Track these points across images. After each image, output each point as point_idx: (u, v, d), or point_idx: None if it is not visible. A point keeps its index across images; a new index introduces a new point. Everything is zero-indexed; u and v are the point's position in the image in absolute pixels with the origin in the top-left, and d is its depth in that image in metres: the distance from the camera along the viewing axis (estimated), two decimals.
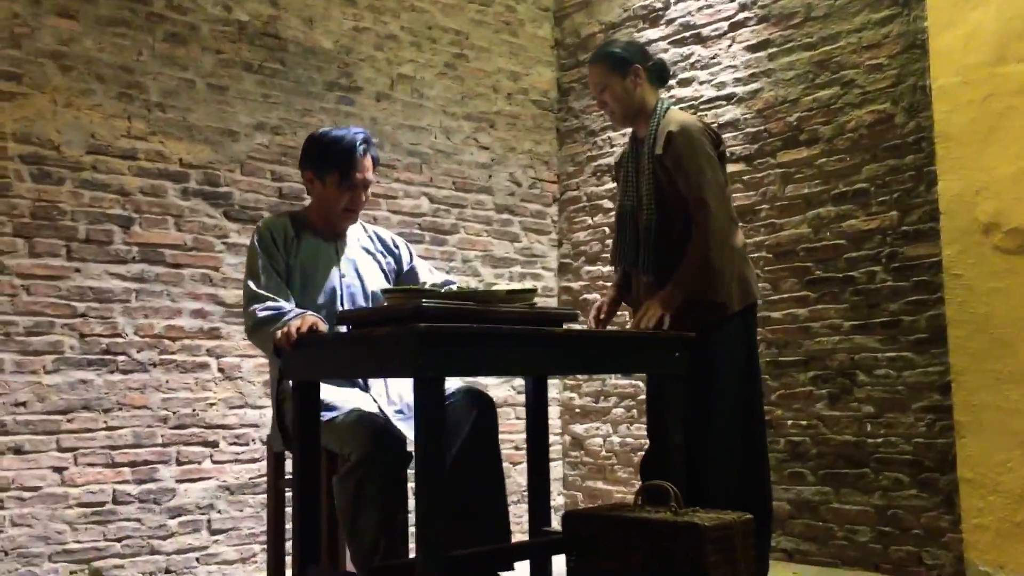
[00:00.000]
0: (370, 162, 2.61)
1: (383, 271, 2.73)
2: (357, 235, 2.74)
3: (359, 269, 2.67)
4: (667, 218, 2.76)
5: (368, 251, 2.73)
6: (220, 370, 3.75)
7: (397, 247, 2.79)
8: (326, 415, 2.39)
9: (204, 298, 3.74)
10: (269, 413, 3.84)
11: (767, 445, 2.77)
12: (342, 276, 2.62)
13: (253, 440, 3.80)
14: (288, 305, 2.44)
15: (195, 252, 3.73)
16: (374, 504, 2.23)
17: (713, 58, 4.31)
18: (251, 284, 2.48)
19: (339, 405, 2.43)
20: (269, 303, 2.43)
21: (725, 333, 2.70)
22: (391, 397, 2.56)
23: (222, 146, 3.85)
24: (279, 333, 2.30)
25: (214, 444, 3.71)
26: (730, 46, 4.24)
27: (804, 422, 3.83)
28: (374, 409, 2.46)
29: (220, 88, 3.87)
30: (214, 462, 3.70)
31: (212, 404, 3.71)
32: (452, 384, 2.58)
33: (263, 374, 3.85)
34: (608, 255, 4.78)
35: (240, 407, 3.78)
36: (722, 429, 2.66)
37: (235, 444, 3.76)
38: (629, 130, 3.14)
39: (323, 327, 2.28)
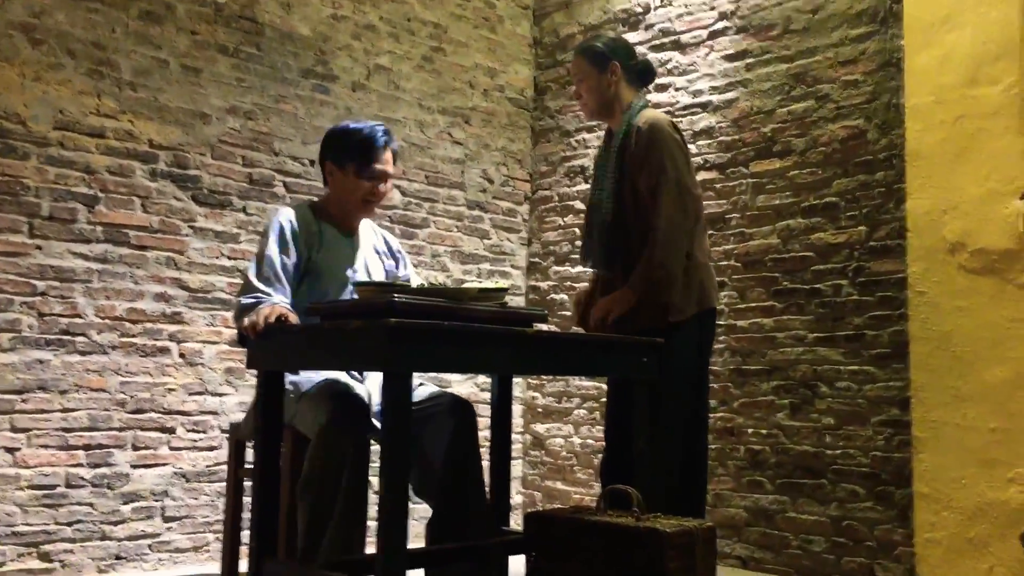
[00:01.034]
0: (391, 155, 2.61)
1: (385, 271, 2.74)
2: (368, 234, 2.74)
3: (369, 268, 2.68)
4: (626, 216, 2.77)
5: (378, 252, 2.74)
6: (181, 355, 3.71)
7: (400, 255, 2.81)
8: (299, 393, 2.40)
9: (168, 282, 3.70)
10: (230, 401, 3.80)
11: (707, 449, 2.80)
12: (354, 273, 2.62)
13: (212, 428, 3.76)
14: (277, 297, 2.42)
15: (161, 235, 3.69)
16: (336, 480, 2.23)
17: (691, 65, 4.33)
18: (250, 272, 2.47)
19: (313, 379, 2.44)
20: (258, 293, 2.42)
21: (678, 337, 2.72)
22: (372, 391, 2.56)
23: (193, 128, 3.81)
24: (246, 320, 2.29)
25: (171, 430, 3.67)
26: (708, 54, 4.26)
27: (764, 431, 3.87)
28: (353, 386, 2.47)
29: (193, 70, 3.82)
30: (171, 448, 3.66)
31: (171, 390, 3.67)
32: (429, 388, 2.59)
33: (225, 360, 3.81)
34: (576, 255, 4.79)
35: (200, 394, 3.75)
36: (666, 430, 2.68)
37: (193, 431, 3.72)
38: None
39: (293, 318, 2.27)
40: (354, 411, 2.34)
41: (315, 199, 2.85)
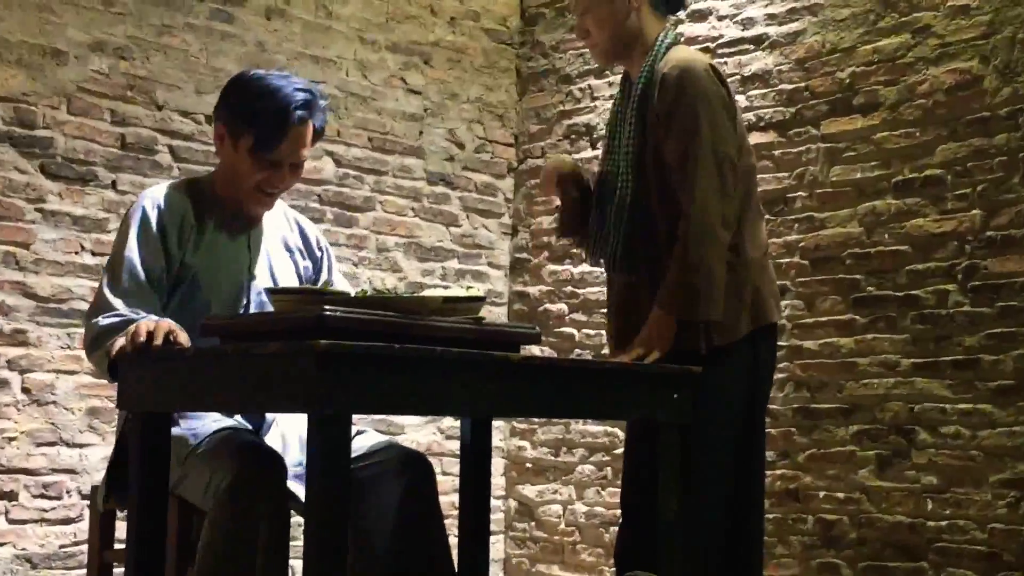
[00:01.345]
0: (308, 134, 2.56)
1: (299, 276, 2.71)
2: (276, 222, 2.72)
3: (274, 270, 2.65)
4: (650, 195, 2.77)
5: (288, 247, 2.71)
6: (25, 390, 3.69)
7: (321, 250, 2.78)
8: (185, 451, 2.39)
9: (6, 287, 3.67)
10: (93, 455, 3.79)
11: (763, 520, 2.80)
12: (251, 279, 2.60)
13: (68, 492, 3.74)
14: (143, 316, 2.41)
15: None
16: (245, 567, 2.22)
17: None
18: (106, 286, 2.45)
19: (202, 430, 2.43)
20: (117, 312, 2.40)
21: (723, 366, 2.72)
22: (288, 443, 2.55)
23: (42, 72, 3.78)
24: (118, 343, 2.27)
25: (11, 496, 3.64)
26: None
27: (842, 495, 3.88)
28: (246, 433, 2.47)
29: None
30: (11, 521, 3.63)
31: (11, 439, 3.65)
32: (371, 438, 2.58)
33: (87, 398, 3.79)
34: (580, 250, 4.79)
35: (51, 444, 3.72)
36: (705, 494, 2.69)
37: (42, 497, 3.69)
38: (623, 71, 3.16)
39: (183, 339, 2.26)
40: (268, 469, 2.33)
41: (202, 175, 2.83)
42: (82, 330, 3.74)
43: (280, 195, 2.65)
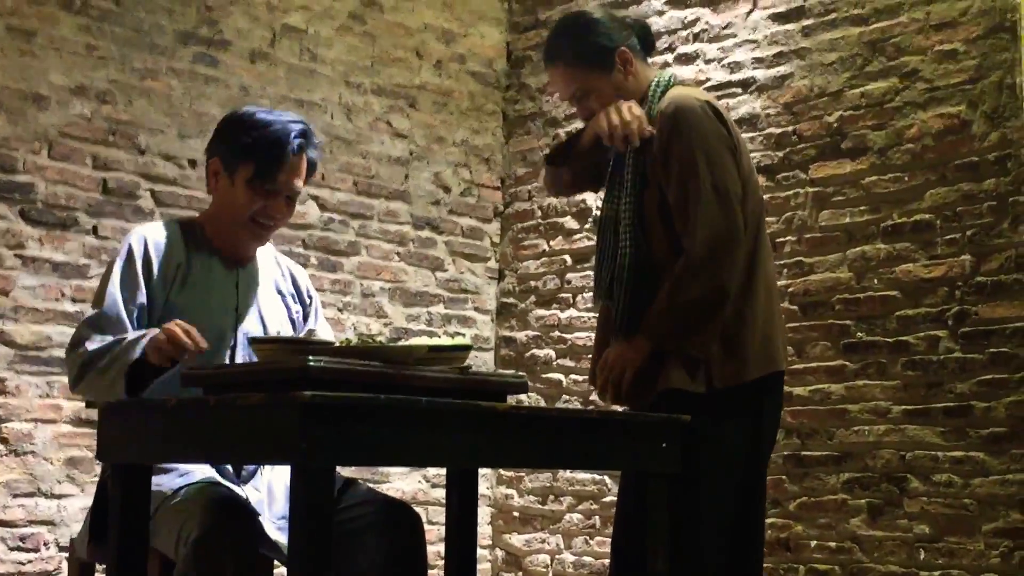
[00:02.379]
0: (304, 165, 2.61)
1: (292, 321, 2.72)
2: (267, 266, 2.73)
3: (264, 314, 2.65)
4: (651, 240, 2.76)
5: (279, 291, 2.72)
6: (2, 440, 3.67)
7: (310, 298, 2.80)
8: (157, 503, 2.39)
9: None
10: (72, 505, 3.76)
11: (762, 565, 2.78)
12: (238, 321, 2.60)
13: (46, 544, 3.72)
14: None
15: None
16: None
17: (726, 28, 4.37)
18: (86, 320, 2.47)
19: (170, 483, 2.43)
20: (105, 338, 2.42)
21: (723, 413, 2.69)
22: (274, 493, 2.54)
23: (23, 116, 3.79)
24: (138, 351, 2.30)
25: None
26: (750, 12, 4.31)
27: (833, 544, 3.87)
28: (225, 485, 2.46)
29: (24, 33, 3.81)
30: None
31: None
32: (355, 489, 2.57)
33: (66, 447, 3.77)
34: (568, 294, 4.81)
35: (29, 495, 3.70)
36: (698, 547, 2.67)
37: (19, 549, 3.67)
38: None
39: (204, 345, 2.31)
40: (237, 522, 2.31)
41: (195, 215, 2.84)
42: (62, 378, 3.76)
43: (275, 230, 2.67)
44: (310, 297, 2.81)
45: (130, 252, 2.54)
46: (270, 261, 2.75)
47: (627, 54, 2.85)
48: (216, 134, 2.66)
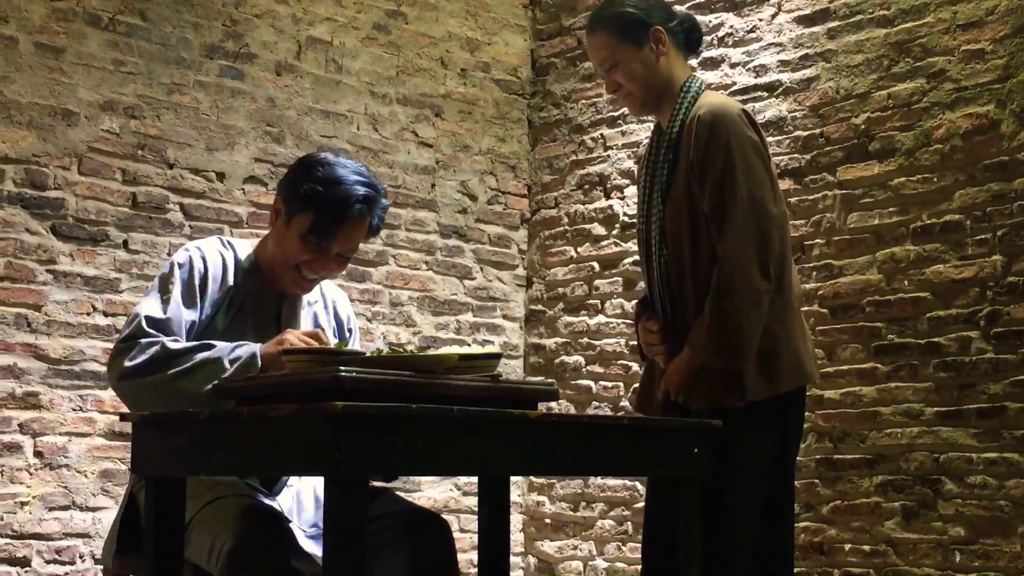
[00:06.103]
0: (363, 230, 2.61)
1: None
2: (311, 298, 2.74)
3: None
4: (683, 248, 2.76)
5: (319, 325, 2.73)
6: (37, 454, 3.69)
7: (350, 331, 2.81)
8: (189, 515, 2.40)
9: (18, 350, 3.69)
10: (107, 518, 3.78)
11: (792, 570, 2.78)
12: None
13: (82, 557, 3.74)
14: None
15: (8, 283, 3.69)
16: None
17: (751, 32, 4.37)
18: (147, 310, 2.47)
19: (207, 498, 2.44)
20: (178, 339, 2.45)
21: (754, 424, 2.69)
22: (303, 502, 2.55)
23: (53, 132, 3.82)
24: (266, 348, 2.38)
25: (24, 562, 3.63)
26: (775, 16, 4.31)
27: (867, 547, 3.86)
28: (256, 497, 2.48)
29: (53, 50, 3.85)
30: None
31: (23, 503, 3.65)
32: (387, 499, 2.58)
33: (99, 460, 3.80)
34: (596, 300, 4.80)
35: (64, 508, 3.72)
36: (728, 553, 2.66)
37: (56, 562, 3.69)
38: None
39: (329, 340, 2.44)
40: (270, 532, 2.33)
41: (256, 237, 2.84)
42: (95, 392, 3.78)
43: (318, 283, 2.68)
44: (350, 331, 2.82)
45: (191, 266, 2.56)
46: (315, 292, 2.77)
47: (661, 34, 2.84)
48: (288, 173, 2.65)
